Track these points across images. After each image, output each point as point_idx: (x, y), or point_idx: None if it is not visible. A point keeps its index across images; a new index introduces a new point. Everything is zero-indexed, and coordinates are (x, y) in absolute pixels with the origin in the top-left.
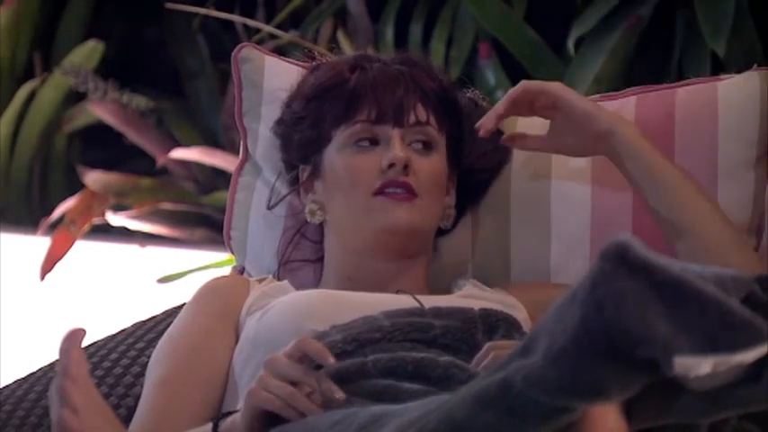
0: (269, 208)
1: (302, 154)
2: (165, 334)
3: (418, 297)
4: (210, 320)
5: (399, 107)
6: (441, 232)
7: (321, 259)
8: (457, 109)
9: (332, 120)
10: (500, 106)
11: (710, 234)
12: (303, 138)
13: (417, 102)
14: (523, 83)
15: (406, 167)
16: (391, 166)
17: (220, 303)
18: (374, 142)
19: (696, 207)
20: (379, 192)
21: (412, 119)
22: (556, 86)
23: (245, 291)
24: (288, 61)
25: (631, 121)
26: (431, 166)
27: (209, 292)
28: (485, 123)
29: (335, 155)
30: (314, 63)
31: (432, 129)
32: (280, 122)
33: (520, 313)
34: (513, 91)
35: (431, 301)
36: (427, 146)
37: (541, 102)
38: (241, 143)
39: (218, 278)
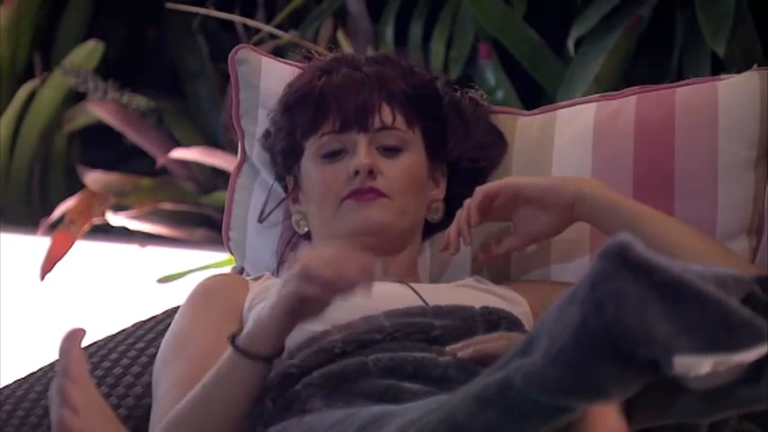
0: (260, 221)
1: (284, 165)
2: (169, 335)
3: (418, 287)
4: (215, 319)
5: (363, 111)
6: (436, 227)
7: None
8: (434, 102)
9: (302, 131)
10: (470, 216)
11: (697, 247)
12: (282, 149)
13: (382, 103)
14: (479, 189)
15: (371, 173)
16: (357, 173)
17: (222, 302)
18: (343, 151)
19: (680, 230)
20: (347, 198)
21: (377, 123)
22: (509, 180)
23: (245, 288)
24: (285, 62)
25: (632, 119)
26: (400, 168)
27: (208, 291)
28: (454, 241)
29: (310, 166)
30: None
31: (399, 131)
32: (266, 135)
33: (520, 308)
34: (473, 199)
35: (430, 292)
36: (395, 148)
37: (503, 197)
38: (239, 144)
39: (213, 276)
